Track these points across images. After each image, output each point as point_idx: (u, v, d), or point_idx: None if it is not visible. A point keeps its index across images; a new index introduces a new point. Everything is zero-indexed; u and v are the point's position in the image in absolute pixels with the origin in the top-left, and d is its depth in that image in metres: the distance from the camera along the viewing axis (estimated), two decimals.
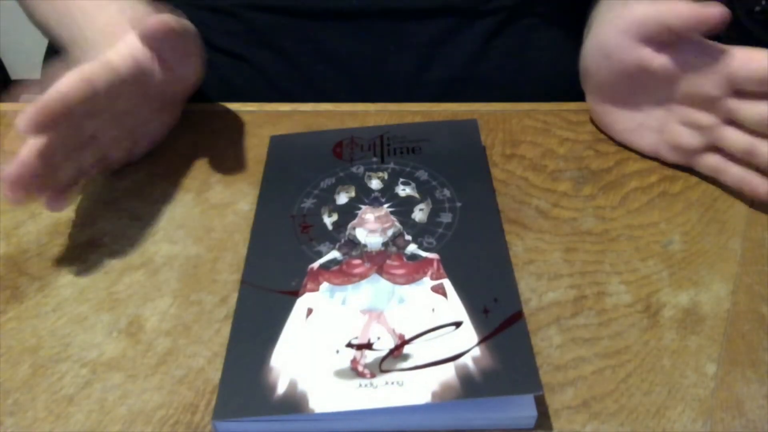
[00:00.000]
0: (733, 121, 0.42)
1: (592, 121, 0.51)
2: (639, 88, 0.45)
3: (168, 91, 0.47)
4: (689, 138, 0.44)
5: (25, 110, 0.38)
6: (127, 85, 0.42)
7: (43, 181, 0.40)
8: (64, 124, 0.39)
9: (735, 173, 0.44)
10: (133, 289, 0.40)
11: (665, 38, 0.42)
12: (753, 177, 0.43)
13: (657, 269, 0.40)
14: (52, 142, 0.39)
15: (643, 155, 0.48)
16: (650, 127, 0.46)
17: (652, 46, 0.42)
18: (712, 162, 0.45)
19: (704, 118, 0.43)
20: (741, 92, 0.41)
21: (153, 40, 0.43)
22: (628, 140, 0.48)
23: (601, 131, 0.50)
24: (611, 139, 0.49)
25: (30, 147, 0.39)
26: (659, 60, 0.42)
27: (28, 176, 0.38)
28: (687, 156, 0.45)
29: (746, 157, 0.42)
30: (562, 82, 0.55)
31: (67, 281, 0.40)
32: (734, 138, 0.42)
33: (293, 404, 0.31)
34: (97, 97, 0.40)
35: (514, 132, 0.51)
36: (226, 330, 0.37)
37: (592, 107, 0.49)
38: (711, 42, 0.41)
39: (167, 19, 0.42)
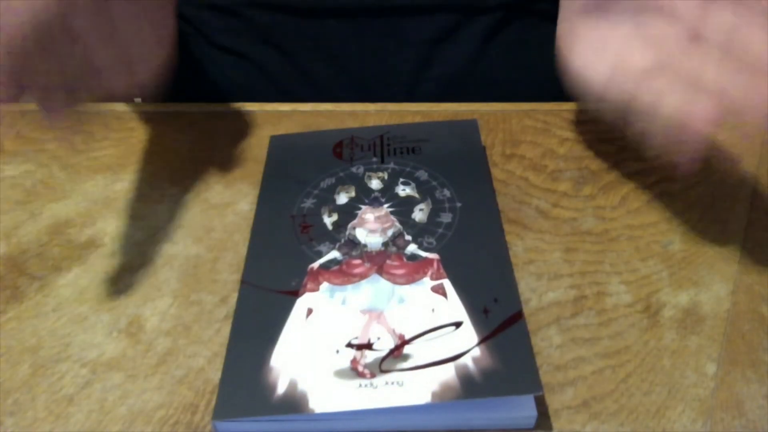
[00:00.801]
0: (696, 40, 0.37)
1: (592, 121, 0.51)
2: None
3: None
4: (641, 56, 0.39)
5: None
6: None
7: (23, 76, 0.35)
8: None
9: (676, 98, 0.36)
10: (133, 289, 0.40)
11: None
12: (697, 102, 0.36)
13: (657, 269, 0.40)
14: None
15: (643, 156, 0.48)
16: (610, 48, 0.41)
17: None
18: (653, 88, 0.38)
19: (667, 29, 0.38)
20: None
21: None
22: (583, 75, 0.42)
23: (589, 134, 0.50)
24: (611, 141, 0.49)
25: None
26: None
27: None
28: (633, 84, 0.39)
29: (696, 76, 0.36)
30: (563, 82, 0.55)
31: (67, 281, 0.40)
32: (689, 57, 0.37)
33: (293, 404, 0.31)
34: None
35: (514, 132, 0.51)
36: (226, 330, 0.37)
37: (560, 31, 0.45)
38: None
39: None
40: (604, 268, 0.40)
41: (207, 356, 0.36)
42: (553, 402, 0.34)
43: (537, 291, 0.39)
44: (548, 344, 0.36)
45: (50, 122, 0.38)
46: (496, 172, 0.47)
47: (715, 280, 0.40)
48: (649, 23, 0.39)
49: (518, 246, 0.42)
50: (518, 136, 0.50)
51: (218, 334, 0.37)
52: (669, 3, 0.38)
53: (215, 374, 0.35)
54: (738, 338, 0.37)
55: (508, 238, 0.42)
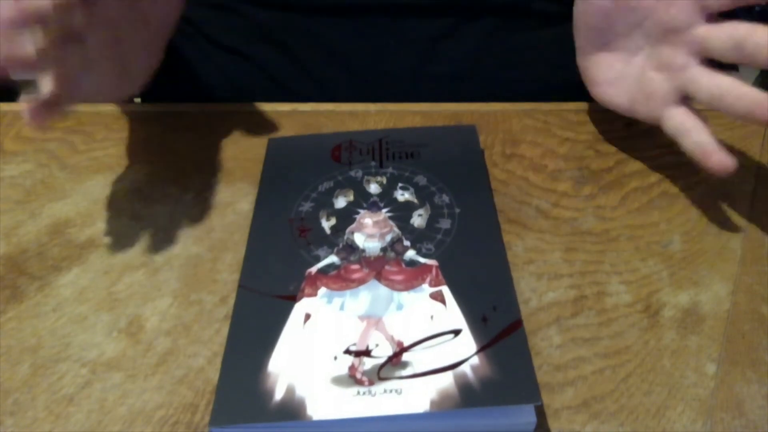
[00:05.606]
0: (707, 65, 0.41)
1: (592, 121, 0.51)
2: (619, 26, 0.45)
3: (153, 14, 0.45)
4: (660, 83, 0.43)
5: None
6: None
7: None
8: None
9: (696, 138, 0.41)
10: (133, 289, 0.40)
11: None
12: (712, 147, 0.41)
13: (657, 269, 0.40)
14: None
15: (643, 156, 0.48)
16: (629, 77, 0.45)
17: None
18: (677, 119, 0.42)
19: (677, 56, 0.42)
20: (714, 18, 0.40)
21: None
22: (608, 95, 0.47)
23: (600, 130, 0.50)
24: (611, 141, 0.49)
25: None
26: None
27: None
28: (658, 108, 0.44)
29: (714, 103, 0.40)
30: (563, 82, 0.55)
31: (67, 281, 0.40)
32: (705, 81, 0.41)
33: (291, 411, 0.31)
34: None
35: (514, 132, 0.51)
36: (226, 330, 0.36)
37: (580, 63, 0.48)
38: None
39: None
40: (604, 268, 0.40)
41: (207, 356, 0.36)
42: (553, 402, 0.34)
43: (537, 291, 0.39)
44: (548, 344, 0.36)
45: (36, 119, 0.37)
46: (496, 172, 0.47)
47: (715, 280, 0.40)
48: (659, 51, 0.44)
49: (518, 246, 0.42)
50: (518, 136, 0.50)
51: (218, 333, 0.37)
52: (674, 31, 0.42)
53: (215, 374, 0.35)
54: (738, 338, 0.37)
55: (508, 238, 0.42)
